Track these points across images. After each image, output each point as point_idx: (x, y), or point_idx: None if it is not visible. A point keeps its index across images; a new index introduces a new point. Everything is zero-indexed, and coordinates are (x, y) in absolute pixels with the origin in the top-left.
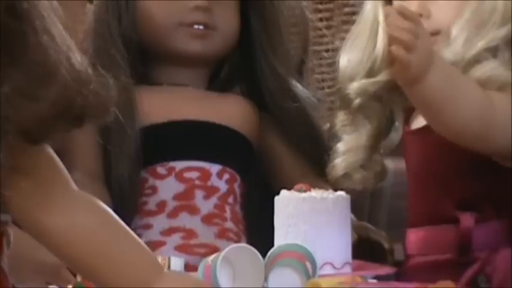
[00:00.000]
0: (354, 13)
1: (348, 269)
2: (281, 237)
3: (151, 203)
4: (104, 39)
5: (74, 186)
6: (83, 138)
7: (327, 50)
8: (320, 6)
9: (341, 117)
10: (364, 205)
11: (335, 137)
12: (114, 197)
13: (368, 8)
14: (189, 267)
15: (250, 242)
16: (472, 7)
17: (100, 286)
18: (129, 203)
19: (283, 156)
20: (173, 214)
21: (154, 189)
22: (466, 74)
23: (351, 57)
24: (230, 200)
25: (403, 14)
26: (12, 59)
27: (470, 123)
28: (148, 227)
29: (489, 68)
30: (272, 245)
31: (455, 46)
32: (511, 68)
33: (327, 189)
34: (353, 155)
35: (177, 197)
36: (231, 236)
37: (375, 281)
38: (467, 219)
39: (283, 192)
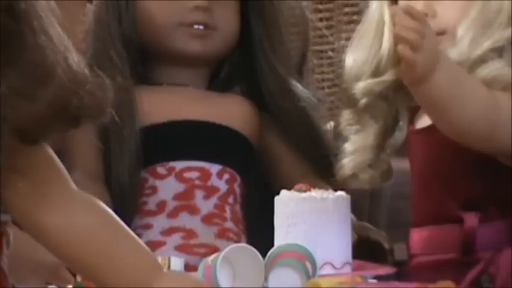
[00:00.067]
0: (354, 13)
1: (348, 269)
2: (281, 237)
3: (151, 203)
4: (104, 40)
5: (73, 186)
6: (83, 138)
7: (327, 50)
8: (320, 6)
9: (346, 116)
10: (364, 205)
11: (340, 136)
12: (114, 197)
13: (374, 7)
14: (189, 267)
15: (250, 242)
16: (478, 7)
17: (100, 286)
18: (129, 203)
19: (283, 156)
20: (173, 214)
21: (154, 189)
22: (471, 73)
23: (356, 56)
24: (230, 200)
25: (410, 14)
26: (9, 59)
27: (476, 123)
28: (148, 227)
29: (495, 68)
30: (272, 245)
31: (461, 46)
32: None
33: (327, 189)
34: (361, 155)
35: (177, 197)
36: (231, 236)
37: (375, 281)
38: (471, 219)
39: (283, 192)
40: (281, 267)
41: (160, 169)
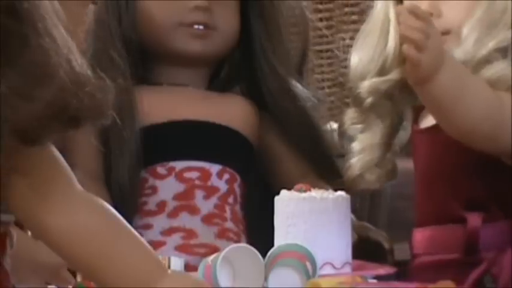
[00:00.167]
0: (354, 13)
1: (348, 269)
2: (281, 237)
3: (151, 203)
4: (104, 40)
5: (77, 186)
6: (83, 138)
7: (327, 50)
8: (320, 6)
9: (351, 115)
10: (364, 205)
11: (344, 135)
12: (114, 197)
13: (379, 6)
14: (189, 267)
15: (250, 242)
16: (483, 7)
17: (102, 286)
18: (129, 203)
19: (283, 156)
20: (173, 214)
21: (154, 189)
22: (476, 74)
23: (362, 55)
24: (230, 200)
25: (415, 13)
26: (10, 59)
27: (480, 123)
28: (148, 227)
29: (499, 69)
30: (272, 245)
31: (466, 46)
32: None
33: (327, 189)
34: (369, 153)
35: (177, 197)
36: (231, 236)
37: (375, 281)
38: (474, 219)
39: (283, 192)
40: (281, 267)
41: (160, 169)
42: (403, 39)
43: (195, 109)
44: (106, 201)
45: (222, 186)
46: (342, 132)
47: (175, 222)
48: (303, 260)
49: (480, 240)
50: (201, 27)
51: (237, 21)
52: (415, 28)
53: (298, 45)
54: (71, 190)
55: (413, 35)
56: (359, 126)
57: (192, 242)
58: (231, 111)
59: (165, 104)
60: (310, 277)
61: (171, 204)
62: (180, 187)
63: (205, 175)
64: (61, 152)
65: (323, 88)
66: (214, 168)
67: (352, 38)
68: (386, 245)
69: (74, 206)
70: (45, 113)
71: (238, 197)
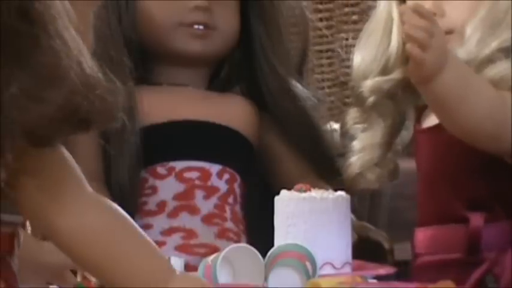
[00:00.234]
0: (354, 13)
1: (348, 269)
2: (281, 237)
3: (151, 203)
4: (104, 40)
5: (87, 187)
6: (83, 138)
7: (327, 50)
8: (320, 6)
9: (353, 115)
10: (364, 205)
11: (346, 135)
12: (114, 197)
13: (382, 5)
14: (189, 267)
15: (250, 242)
16: (487, 7)
17: (111, 287)
18: (129, 203)
19: (283, 156)
20: (173, 214)
21: (154, 189)
22: (479, 73)
23: (364, 54)
24: (230, 200)
25: (419, 12)
26: (21, 61)
27: (483, 122)
28: (148, 227)
29: (502, 68)
30: (272, 245)
31: (469, 45)
32: None
33: (327, 189)
34: (369, 153)
35: (177, 197)
36: (231, 236)
37: (375, 281)
38: (476, 219)
39: (283, 192)
40: (281, 267)
41: (160, 169)
42: (407, 38)
43: (195, 109)
44: None
45: (222, 186)
46: (343, 131)
47: (175, 222)
48: (303, 260)
49: (482, 240)
50: (201, 27)
51: (237, 21)
52: (419, 27)
53: (298, 45)
54: (81, 191)
55: (417, 34)
56: (361, 125)
57: (192, 242)
58: (231, 111)
59: (165, 104)
60: (310, 277)
61: (171, 204)
62: (180, 187)
63: (205, 175)
64: None
65: (323, 88)
66: (214, 168)
67: (352, 38)
68: (386, 245)
69: (84, 207)
70: (56, 115)
71: (238, 197)
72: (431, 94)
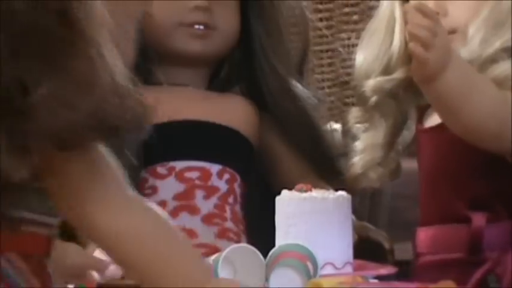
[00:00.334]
0: (354, 13)
1: (349, 269)
2: (282, 237)
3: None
4: None
5: (128, 189)
6: None
7: (327, 50)
8: (320, 6)
9: (355, 114)
10: (364, 205)
11: (347, 134)
12: None
13: (384, 5)
14: None
15: (251, 242)
16: (490, 7)
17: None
18: None
19: (284, 156)
20: (173, 214)
21: (154, 189)
22: (482, 73)
23: (366, 54)
24: (230, 200)
25: (422, 11)
26: (55, 64)
27: (486, 121)
28: None
29: (505, 68)
30: (273, 245)
31: (472, 45)
32: None
33: (327, 189)
34: (371, 153)
35: (177, 197)
36: (231, 236)
37: (376, 281)
38: (478, 219)
39: (284, 192)
40: (282, 267)
41: (161, 169)
42: (410, 37)
43: (195, 109)
44: None
45: (222, 186)
46: (345, 131)
47: (175, 222)
48: (304, 260)
49: (484, 240)
50: (201, 27)
51: (237, 21)
52: (422, 26)
53: (298, 45)
54: (122, 194)
55: (420, 33)
56: (363, 125)
57: (192, 242)
58: (231, 111)
59: (165, 104)
60: (311, 277)
61: (171, 204)
62: (180, 187)
63: (206, 175)
64: None
65: (323, 88)
66: (214, 168)
67: (352, 38)
68: (386, 245)
69: (122, 208)
70: (84, 122)
71: (238, 197)
72: (434, 93)
